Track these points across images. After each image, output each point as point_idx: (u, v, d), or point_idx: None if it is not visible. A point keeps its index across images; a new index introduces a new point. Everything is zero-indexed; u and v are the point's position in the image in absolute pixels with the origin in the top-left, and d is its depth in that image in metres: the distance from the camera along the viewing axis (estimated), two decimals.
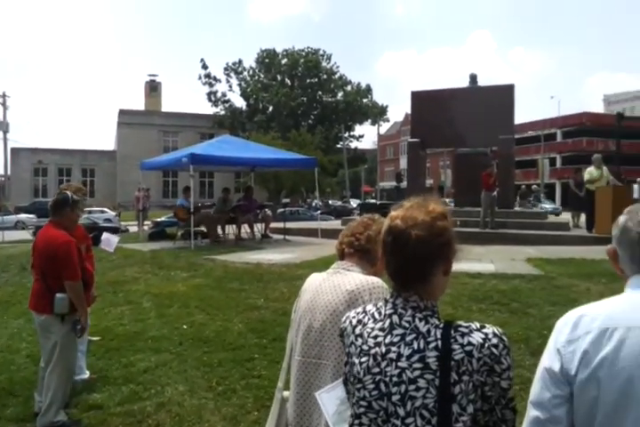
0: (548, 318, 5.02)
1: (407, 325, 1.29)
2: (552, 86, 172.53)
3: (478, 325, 1.28)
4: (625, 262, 1.35)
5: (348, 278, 1.93)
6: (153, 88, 53.92)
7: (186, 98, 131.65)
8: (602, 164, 12.26)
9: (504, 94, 14.57)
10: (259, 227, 13.06)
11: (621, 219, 1.37)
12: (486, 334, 1.26)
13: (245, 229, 12.96)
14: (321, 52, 47.76)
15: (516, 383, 3.70)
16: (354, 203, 41.79)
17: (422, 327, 1.28)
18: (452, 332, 1.26)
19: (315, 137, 35.15)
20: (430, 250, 1.29)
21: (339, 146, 47.16)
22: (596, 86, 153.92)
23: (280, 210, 24.31)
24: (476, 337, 1.25)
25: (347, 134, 48.40)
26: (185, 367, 4.61)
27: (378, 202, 22.45)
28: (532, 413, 1.29)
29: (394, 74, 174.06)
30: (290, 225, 14.66)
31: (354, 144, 51.32)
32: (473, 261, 8.36)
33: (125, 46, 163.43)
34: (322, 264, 6.35)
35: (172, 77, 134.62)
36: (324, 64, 47.78)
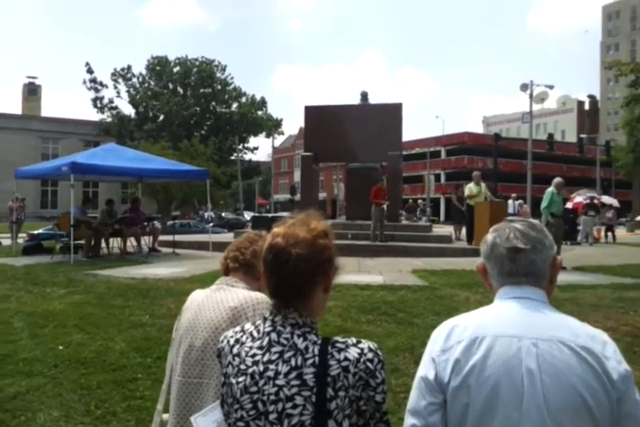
0: (431, 327, 5.16)
1: (285, 342, 1.28)
2: (437, 106, 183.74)
3: (355, 340, 1.29)
4: (493, 276, 1.43)
5: (232, 295, 1.88)
6: (32, 91, 50.46)
7: (69, 103, 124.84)
8: (481, 180, 13.20)
9: (393, 112, 15.24)
10: (146, 240, 12.58)
11: (489, 237, 1.45)
12: (362, 349, 1.27)
13: (132, 242, 12.45)
14: (215, 63, 47.16)
15: (400, 391, 3.83)
16: (247, 215, 41.52)
17: (300, 344, 1.27)
18: (330, 348, 1.26)
19: (208, 148, 34.45)
20: (310, 268, 1.28)
21: (233, 158, 46.71)
22: (477, 108, 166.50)
23: (170, 222, 23.52)
24: (353, 352, 1.25)
25: (241, 146, 48.08)
26: (60, 391, 4.28)
27: (270, 215, 22.45)
28: (408, 421, 1.32)
29: (289, 88, 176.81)
30: (180, 238, 14.27)
31: (248, 156, 51.15)
32: (363, 273, 8.60)
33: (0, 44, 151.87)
34: (212, 279, 6.15)
35: (54, 81, 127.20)
36: (218, 75, 47.16)
